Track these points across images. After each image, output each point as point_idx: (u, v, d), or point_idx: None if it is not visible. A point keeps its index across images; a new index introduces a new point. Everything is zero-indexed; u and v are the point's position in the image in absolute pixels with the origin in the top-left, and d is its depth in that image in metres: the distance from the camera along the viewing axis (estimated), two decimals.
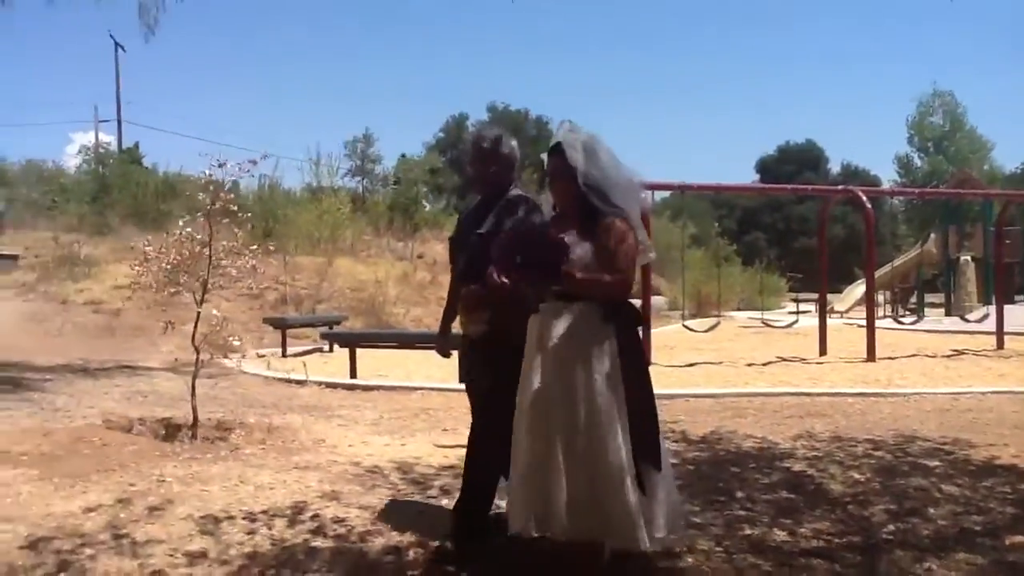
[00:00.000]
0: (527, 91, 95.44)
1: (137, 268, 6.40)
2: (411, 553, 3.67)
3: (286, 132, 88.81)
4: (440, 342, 4.19)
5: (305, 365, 9.69)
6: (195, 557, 3.66)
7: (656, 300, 18.47)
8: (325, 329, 12.68)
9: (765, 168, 57.60)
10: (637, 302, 18.54)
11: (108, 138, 41.07)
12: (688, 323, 14.30)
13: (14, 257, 19.65)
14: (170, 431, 6.20)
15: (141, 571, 3.49)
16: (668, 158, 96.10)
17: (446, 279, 5.05)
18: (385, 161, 40.92)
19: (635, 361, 3.16)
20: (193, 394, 6.22)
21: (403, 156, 37.04)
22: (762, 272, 28.57)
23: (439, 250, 22.18)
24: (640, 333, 3.36)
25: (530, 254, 3.15)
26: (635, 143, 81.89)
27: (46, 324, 13.90)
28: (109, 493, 4.49)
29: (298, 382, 9.14)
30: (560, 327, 3.14)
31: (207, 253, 6.17)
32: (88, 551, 3.75)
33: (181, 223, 6.22)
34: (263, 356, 11.31)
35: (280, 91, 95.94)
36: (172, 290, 6.25)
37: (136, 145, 37.60)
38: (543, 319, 3.19)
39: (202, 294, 6.24)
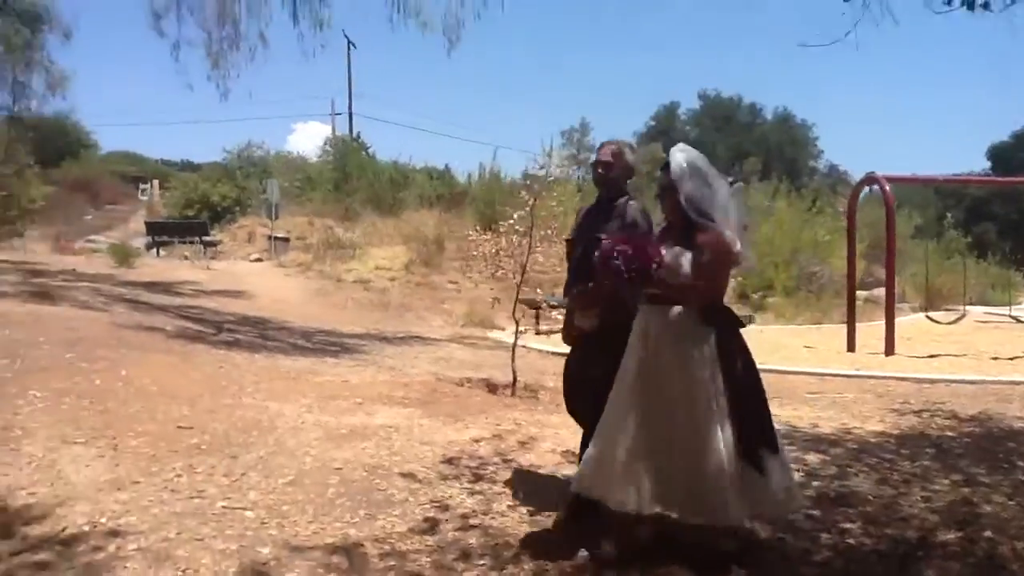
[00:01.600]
0: (739, 79, 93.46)
1: (475, 252, 7.63)
2: None
3: (499, 122, 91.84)
4: (564, 332, 4.42)
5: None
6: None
7: (877, 292, 18.41)
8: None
9: (998, 156, 53.69)
10: (863, 294, 18.55)
11: (323, 128, 44.13)
12: (932, 314, 14.30)
13: (286, 240, 22.28)
14: (491, 388, 7.42)
15: (536, 483, 4.64)
16: (889, 145, 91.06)
17: None
18: None
19: (737, 358, 3.51)
20: (513, 359, 7.40)
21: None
22: (995, 265, 27.23)
23: None
24: (740, 333, 3.62)
25: (627, 258, 3.44)
26: (850, 131, 78.33)
27: (331, 298, 15.92)
28: (484, 429, 5.73)
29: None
30: (660, 326, 3.53)
31: (525, 243, 7.29)
32: (490, 468, 4.96)
33: (516, 216, 7.39)
34: (541, 333, 12.58)
35: (493, 82, 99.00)
36: (498, 272, 7.40)
37: (359, 135, 40.70)
38: (646, 318, 3.60)
39: (521, 276, 7.37)
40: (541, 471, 4.94)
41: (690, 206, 3.51)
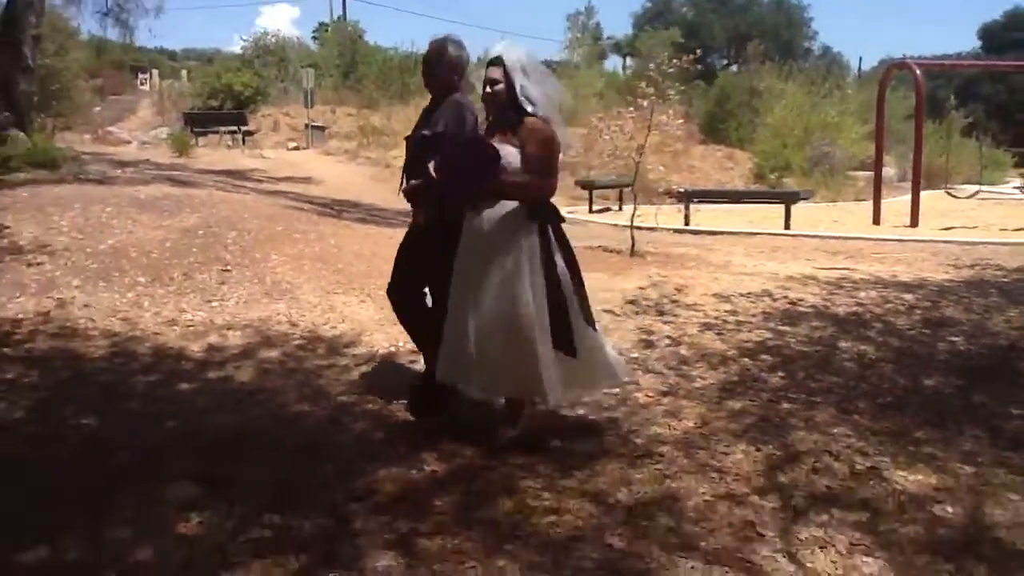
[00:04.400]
0: None
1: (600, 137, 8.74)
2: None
3: (500, 8, 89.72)
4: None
5: (656, 215, 11.94)
6: (730, 314, 6.19)
7: (886, 172, 19.77)
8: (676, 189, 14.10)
9: (989, 35, 54.32)
10: (861, 174, 19.85)
11: (290, 10, 43.52)
12: (950, 189, 15.74)
13: (322, 128, 23.13)
14: (611, 252, 8.76)
15: (706, 315, 6.05)
16: (880, 26, 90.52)
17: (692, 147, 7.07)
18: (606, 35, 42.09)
19: (556, 252, 3.73)
20: (632, 225, 8.71)
21: (643, 29, 37.99)
22: (985, 145, 28.53)
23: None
24: (561, 227, 3.82)
25: (464, 158, 3.64)
26: (841, 13, 77.84)
27: (389, 183, 17.01)
28: (640, 280, 7.12)
29: (649, 228, 11.56)
30: (489, 223, 3.67)
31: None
32: (666, 305, 6.36)
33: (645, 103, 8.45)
34: (594, 212, 13.87)
35: None
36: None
37: (357, 22, 40.57)
38: (476, 216, 3.71)
39: (639, 156, 8.56)
40: (705, 308, 6.34)
41: (523, 93, 3.63)
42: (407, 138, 4.24)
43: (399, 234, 4.67)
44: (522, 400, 3.94)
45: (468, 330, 3.72)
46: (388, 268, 6.46)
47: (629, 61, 49.97)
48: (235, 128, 22.20)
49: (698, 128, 26.41)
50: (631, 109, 8.57)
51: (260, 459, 3.75)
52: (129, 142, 23.12)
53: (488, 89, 3.70)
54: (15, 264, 6.47)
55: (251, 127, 23.52)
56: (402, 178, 4.21)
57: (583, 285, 3.92)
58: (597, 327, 4.06)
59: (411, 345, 4.82)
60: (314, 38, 44.59)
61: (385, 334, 5.49)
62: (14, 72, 11.28)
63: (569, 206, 15.16)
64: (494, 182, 3.60)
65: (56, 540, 3.09)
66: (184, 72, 42.47)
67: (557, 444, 3.91)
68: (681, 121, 9.09)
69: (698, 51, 17.17)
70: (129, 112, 34.34)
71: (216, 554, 3.03)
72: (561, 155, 3.90)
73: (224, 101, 27.53)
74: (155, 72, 44.45)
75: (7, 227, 7.24)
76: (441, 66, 4.06)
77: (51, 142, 11.57)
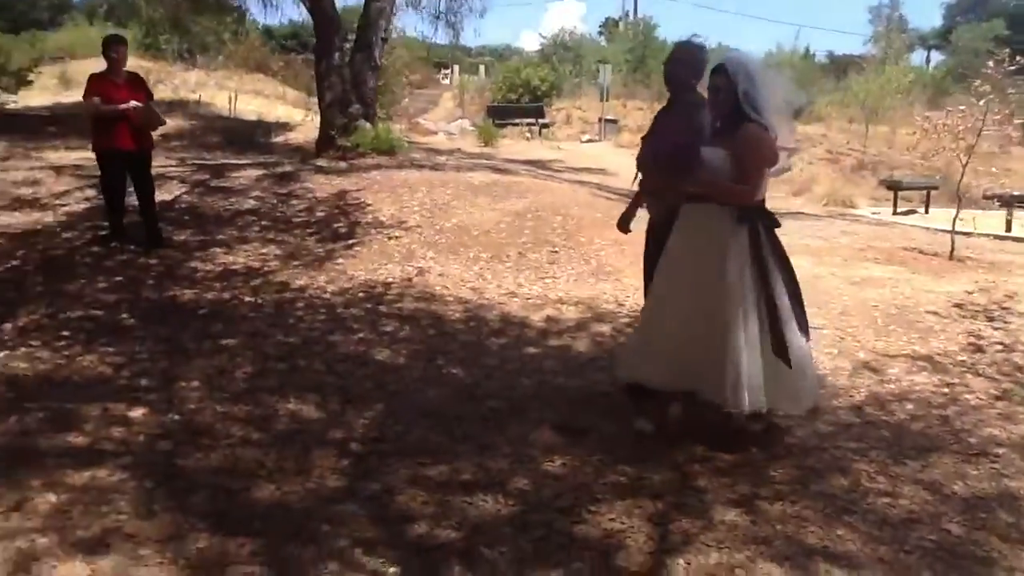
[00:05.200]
0: None
1: (927, 137, 8.46)
2: None
3: (797, 1, 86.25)
4: (620, 220, 4.58)
5: (974, 220, 11.22)
6: None
7: None
8: (989, 189, 13.10)
9: None
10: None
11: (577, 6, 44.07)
12: None
13: (615, 121, 23.80)
14: (929, 255, 8.43)
15: None
16: None
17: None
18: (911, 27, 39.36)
19: (769, 256, 3.69)
20: (953, 228, 8.36)
21: (957, 21, 35.23)
22: None
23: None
24: (775, 233, 3.79)
25: (667, 157, 3.76)
26: None
27: None
28: (968, 286, 6.87)
29: (964, 234, 10.94)
30: (697, 223, 3.75)
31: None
32: (995, 312, 6.12)
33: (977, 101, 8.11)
34: (898, 213, 13.30)
35: None
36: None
37: (650, 18, 40.89)
38: (686, 214, 3.81)
39: (967, 158, 8.16)
40: None
41: (747, 102, 3.65)
42: (643, 137, 4.38)
43: None
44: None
45: (666, 322, 3.84)
46: None
47: (936, 55, 46.43)
48: (534, 120, 23.43)
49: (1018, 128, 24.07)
50: (962, 108, 8.18)
51: (607, 417, 4.23)
52: (436, 132, 25.11)
53: (712, 96, 3.79)
54: (379, 236, 7.55)
55: (547, 120, 24.70)
56: (636, 175, 4.40)
57: (799, 293, 3.86)
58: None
59: None
60: (600, 33, 45.65)
61: None
62: (365, 70, 12.83)
63: (872, 207, 14.63)
64: (692, 182, 3.68)
65: (453, 462, 3.76)
66: (481, 67, 45.15)
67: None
68: (1021, 122, 8.53)
69: None
70: (432, 104, 37.24)
71: (583, 491, 3.54)
72: (785, 160, 3.93)
73: (522, 95, 29.09)
74: (456, 68, 47.48)
75: (370, 204, 8.42)
76: (679, 67, 4.12)
77: (392, 132, 13.01)
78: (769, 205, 3.94)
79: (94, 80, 7.23)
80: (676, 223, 3.86)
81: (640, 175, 4.34)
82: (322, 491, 3.49)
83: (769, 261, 3.70)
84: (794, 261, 7.24)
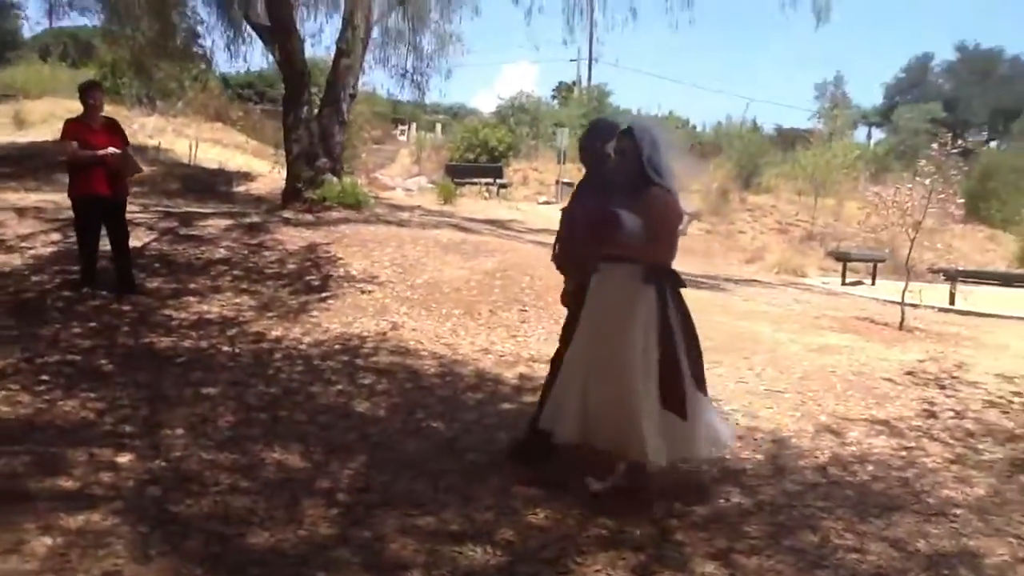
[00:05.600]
0: (1001, 29, 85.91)
1: (877, 212, 8.89)
2: None
3: (746, 74, 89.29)
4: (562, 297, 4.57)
5: (920, 292, 11.64)
6: (1015, 395, 6.18)
7: None
8: (934, 264, 13.53)
9: None
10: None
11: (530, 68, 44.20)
12: None
13: (571, 184, 24.31)
14: (880, 325, 8.82)
15: (992, 393, 6.09)
16: None
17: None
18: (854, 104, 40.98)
19: (673, 315, 3.89)
20: (903, 300, 8.76)
21: (896, 101, 36.81)
22: None
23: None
24: (680, 293, 4.01)
25: (586, 225, 3.95)
26: None
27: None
28: (920, 355, 7.21)
29: (912, 305, 11.39)
30: (610, 282, 3.94)
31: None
32: (945, 380, 6.45)
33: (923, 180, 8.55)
34: (847, 284, 13.83)
35: (733, 29, 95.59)
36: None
37: (603, 85, 41.66)
38: (600, 274, 4.01)
39: (915, 234, 8.60)
40: (987, 386, 6.39)
41: (651, 167, 3.83)
42: (563, 210, 4.58)
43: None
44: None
45: (577, 379, 3.99)
46: None
47: (877, 132, 48.36)
48: (492, 180, 23.83)
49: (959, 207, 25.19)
50: (909, 186, 8.66)
51: (584, 473, 4.37)
52: (394, 188, 25.34)
53: (618, 157, 3.97)
54: (352, 290, 7.67)
55: (505, 180, 25.14)
56: (554, 247, 4.58)
57: (698, 350, 4.05)
58: (709, 395, 4.22)
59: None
60: (553, 97, 46.62)
61: None
62: (332, 124, 13.04)
63: (821, 276, 15.19)
64: (610, 246, 3.85)
65: (439, 513, 3.87)
66: (438, 126, 45.70)
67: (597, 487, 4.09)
68: (962, 200, 9.04)
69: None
70: (389, 160, 37.53)
71: (567, 542, 3.68)
72: (685, 223, 4.15)
73: (479, 154, 29.54)
74: (413, 125, 47.94)
75: (340, 258, 8.54)
76: (591, 142, 4.36)
77: (358, 186, 13.19)
78: (725, 272, 4.21)
79: (71, 125, 7.29)
80: (591, 285, 4.04)
81: (557, 249, 4.51)
82: (315, 538, 3.57)
83: (672, 321, 3.88)
84: (754, 326, 7.68)
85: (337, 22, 13.76)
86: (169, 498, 3.83)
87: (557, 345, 4.45)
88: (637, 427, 3.81)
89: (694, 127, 36.52)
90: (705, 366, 4.17)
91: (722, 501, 4.18)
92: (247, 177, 18.71)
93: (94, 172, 7.08)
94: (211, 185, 16.73)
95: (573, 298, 4.31)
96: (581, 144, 4.50)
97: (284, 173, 13.47)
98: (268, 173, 18.56)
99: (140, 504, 3.75)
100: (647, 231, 3.78)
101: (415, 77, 15.96)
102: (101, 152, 7.07)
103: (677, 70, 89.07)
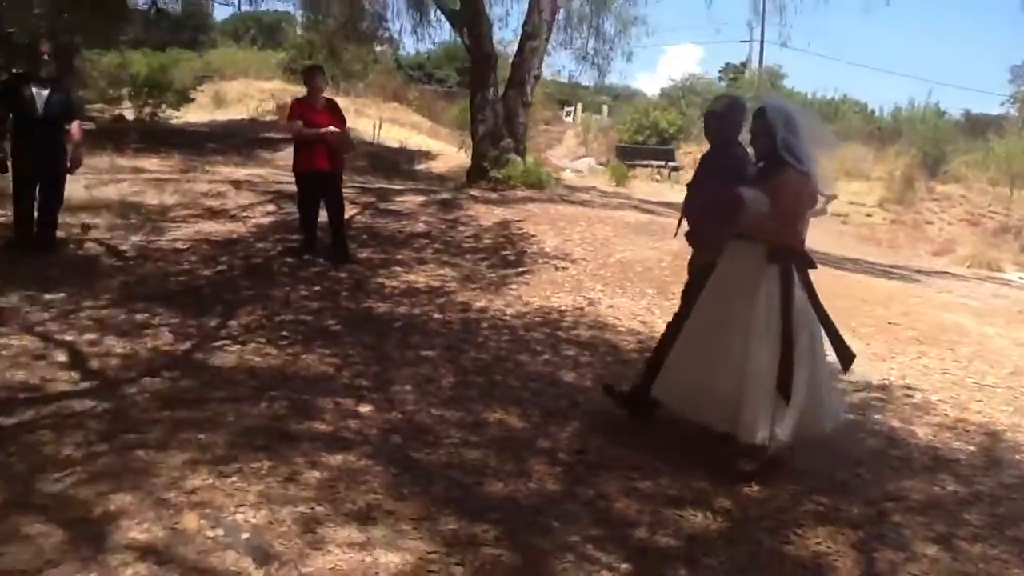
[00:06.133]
0: None
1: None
2: None
3: (932, 56, 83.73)
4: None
5: None
6: None
7: None
8: None
9: None
10: None
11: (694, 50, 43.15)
12: None
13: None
14: None
15: None
16: None
17: None
18: None
19: (793, 295, 3.87)
20: None
21: None
22: None
23: None
24: (807, 273, 3.98)
25: (711, 203, 4.08)
26: None
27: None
28: None
29: None
30: (735, 261, 4.01)
31: None
32: None
33: None
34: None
35: (920, 9, 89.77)
36: None
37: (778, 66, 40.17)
38: (728, 252, 4.07)
39: None
40: None
41: (785, 149, 3.85)
42: (688, 184, 4.68)
43: (863, 281, 4.90)
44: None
45: (694, 353, 4.08)
46: (868, 309, 6.83)
47: None
48: (664, 163, 23.72)
49: None
50: None
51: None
52: (563, 168, 25.64)
53: (752, 139, 4.04)
54: (547, 266, 7.98)
55: (677, 163, 24.98)
56: (679, 222, 4.68)
57: (830, 325, 4.04)
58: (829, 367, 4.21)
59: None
60: (719, 78, 45.54)
61: (875, 368, 5.95)
62: (517, 106, 13.42)
63: (1018, 271, 14.30)
64: (734, 225, 3.91)
65: (656, 479, 4.06)
66: (605, 107, 45.62)
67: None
68: None
69: None
70: (556, 141, 37.93)
71: (784, 514, 3.81)
72: (822, 204, 4.12)
73: (649, 136, 29.40)
74: (579, 105, 48.08)
75: (533, 235, 8.87)
76: (715, 119, 4.47)
77: (541, 166, 13.54)
78: (914, 263, 4.17)
79: (296, 105, 7.94)
80: (719, 260, 4.11)
81: (685, 223, 4.60)
82: (544, 492, 3.86)
83: (795, 300, 3.88)
84: (956, 319, 7.44)
85: (523, 5, 14.09)
86: (409, 446, 4.22)
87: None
88: (750, 407, 3.89)
89: (872, 112, 34.90)
90: (848, 344, 4.17)
91: (937, 489, 4.18)
92: (427, 156, 19.49)
93: (316, 149, 7.67)
94: (395, 163, 17.56)
95: (699, 271, 4.41)
96: (705, 120, 4.57)
97: (466, 152, 13.99)
98: (456, 153, 19.22)
99: (385, 449, 4.15)
100: (773, 212, 3.82)
101: (596, 60, 16.08)
102: (323, 130, 7.63)
103: (855, 52, 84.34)
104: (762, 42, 42.22)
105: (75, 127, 7.44)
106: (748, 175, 4.09)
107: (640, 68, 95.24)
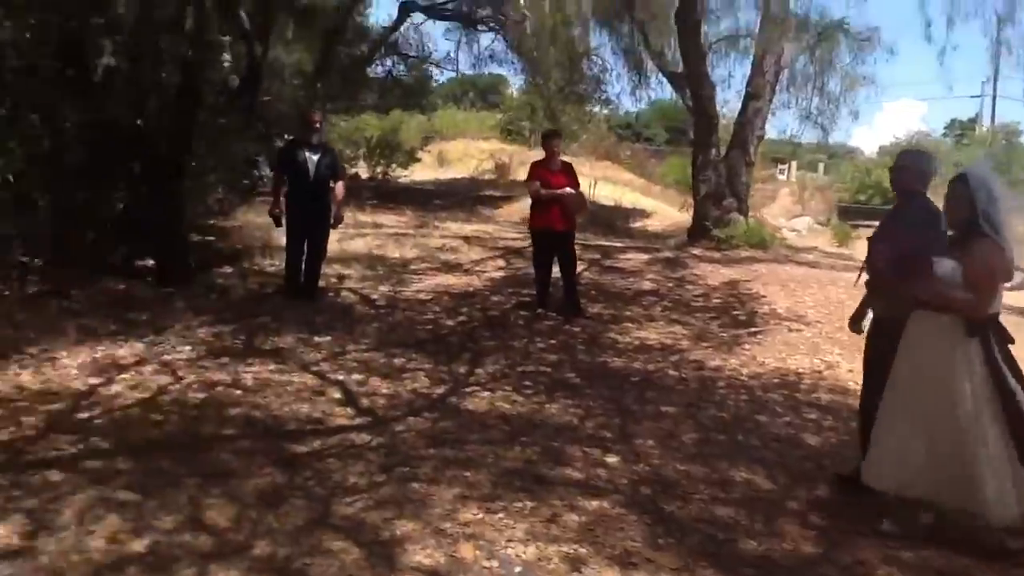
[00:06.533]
0: None
1: None
2: None
3: None
4: (851, 320, 4.77)
5: None
6: None
7: None
8: None
9: None
10: None
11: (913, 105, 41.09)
12: None
13: None
14: None
15: None
16: None
17: None
18: None
19: (1003, 368, 3.68)
20: None
21: None
22: None
23: None
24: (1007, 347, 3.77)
25: (902, 264, 3.87)
26: None
27: None
28: None
29: None
30: (925, 333, 3.80)
31: None
32: None
33: None
34: None
35: None
36: None
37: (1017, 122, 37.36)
38: (915, 323, 3.86)
39: None
40: None
41: (985, 220, 3.67)
42: (869, 238, 4.61)
43: None
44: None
45: (907, 431, 3.86)
46: None
47: None
48: None
49: None
50: None
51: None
52: (779, 228, 25.04)
53: (947, 203, 3.88)
54: (780, 327, 7.89)
55: None
56: (859, 271, 4.60)
57: None
58: None
59: None
60: (944, 135, 42.96)
61: None
62: (739, 166, 13.41)
63: None
64: (921, 290, 3.80)
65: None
66: (821, 165, 44.26)
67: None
68: None
69: None
70: (769, 200, 37.10)
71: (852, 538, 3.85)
72: (1020, 280, 4.23)
73: (872, 196, 28.21)
74: (794, 164, 46.89)
75: (763, 296, 8.81)
76: (905, 174, 4.39)
77: (762, 226, 13.41)
78: None
79: (535, 167, 8.38)
80: (904, 332, 3.93)
81: (866, 274, 4.50)
82: (799, 553, 3.84)
83: (1004, 368, 3.72)
84: None
85: (746, 68, 14.12)
86: (660, 499, 4.33)
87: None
88: (980, 486, 3.71)
89: None
90: None
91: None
92: (642, 214, 19.72)
93: (552, 209, 8.05)
94: (611, 221, 17.86)
95: (881, 339, 4.31)
96: (892, 176, 4.52)
97: (686, 212, 14.08)
98: (670, 211, 19.33)
99: (637, 500, 4.28)
100: (966, 281, 3.70)
101: (819, 119, 15.77)
102: (559, 191, 8.01)
103: None
104: (994, 96, 39.81)
105: (339, 188, 8.24)
106: (938, 232, 4.04)
107: (856, 124, 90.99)
